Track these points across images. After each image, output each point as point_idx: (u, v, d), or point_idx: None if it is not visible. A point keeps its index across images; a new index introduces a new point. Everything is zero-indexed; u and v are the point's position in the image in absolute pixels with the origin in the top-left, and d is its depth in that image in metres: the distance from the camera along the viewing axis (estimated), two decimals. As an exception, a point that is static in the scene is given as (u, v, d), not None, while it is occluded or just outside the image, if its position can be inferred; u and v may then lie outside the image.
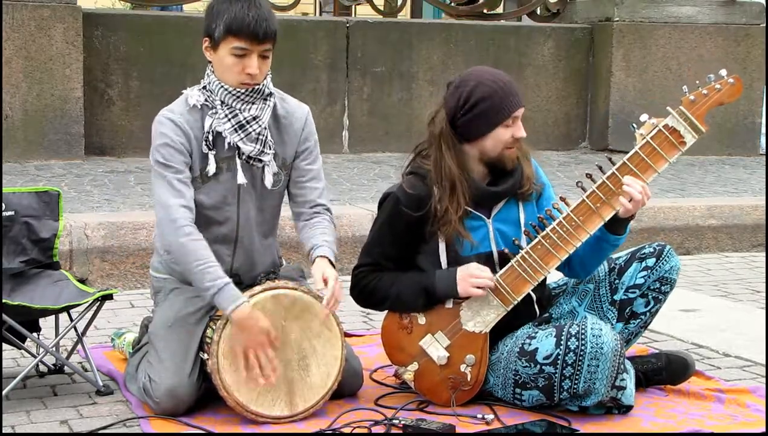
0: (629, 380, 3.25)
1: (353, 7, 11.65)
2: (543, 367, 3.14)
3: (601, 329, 3.11)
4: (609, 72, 8.45)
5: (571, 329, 3.13)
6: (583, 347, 3.09)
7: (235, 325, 3.10)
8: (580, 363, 3.09)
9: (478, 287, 3.19)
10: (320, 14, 15.29)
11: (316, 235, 3.31)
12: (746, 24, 8.75)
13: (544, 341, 3.17)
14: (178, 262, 3.21)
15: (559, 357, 3.11)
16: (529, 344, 3.19)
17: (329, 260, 3.24)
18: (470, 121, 3.20)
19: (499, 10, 9.11)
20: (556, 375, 3.12)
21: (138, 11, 8.18)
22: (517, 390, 3.22)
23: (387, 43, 8.05)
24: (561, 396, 3.14)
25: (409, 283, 3.27)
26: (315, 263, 3.24)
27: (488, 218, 3.28)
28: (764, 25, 8.72)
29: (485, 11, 8.89)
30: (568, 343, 3.11)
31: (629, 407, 3.24)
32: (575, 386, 3.11)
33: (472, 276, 3.20)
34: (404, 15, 11.92)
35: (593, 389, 3.11)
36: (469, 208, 3.24)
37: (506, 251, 3.25)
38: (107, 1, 18.00)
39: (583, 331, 3.11)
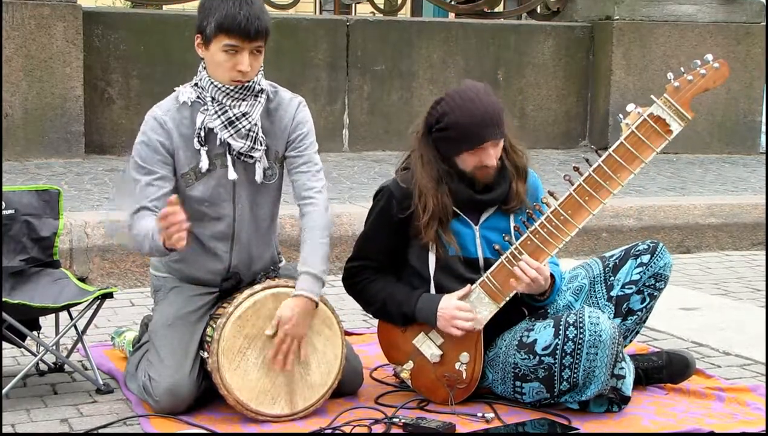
0: (628, 370, 3.25)
1: (353, 5, 11.65)
2: (542, 358, 3.15)
3: (598, 317, 3.11)
4: (609, 70, 8.45)
5: (569, 319, 3.14)
6: (581, 336, 3.10)
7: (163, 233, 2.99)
8: (578, 352, 3.10)
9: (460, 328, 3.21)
10: (320, 13, 15.29)
11: (303, 254, 3.22)
12: (746, 23, 8.75)
13: (542, 332, 3.17)
14: (140, 249, 3.18)
15: (558, 347, 3.12)
16: (528, 336, 3.20)
17: (306, 297, 3.16)
18: (440, 140, 3.23)
19: (500, 8, 9.13)
20: (556, 365, 3.13)
21: (138, 10, 8.18)
22: (518, 383, 3.22)
23: (387, 42, 8.04)
24: (561, 387, 3.15)
25: (394, 303, 3.29)
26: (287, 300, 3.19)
27: (476, 224, 3.28)
28: (764, 23, 8.72)
29: (485, 10, 8.89)
30: (567, 332, 3.12)
31: (627, 399, 3.24)
32: (575, 375, 3.11)
33: (454, 318, 3.20)
34: (404, 13, 11.91)
35: (593, 378, 3.11)
36: (458, 212, 3.25)
37: (492, 259, 3.25)
38: (107, 0, 18.00)
39: (581, 320, 3.11)
